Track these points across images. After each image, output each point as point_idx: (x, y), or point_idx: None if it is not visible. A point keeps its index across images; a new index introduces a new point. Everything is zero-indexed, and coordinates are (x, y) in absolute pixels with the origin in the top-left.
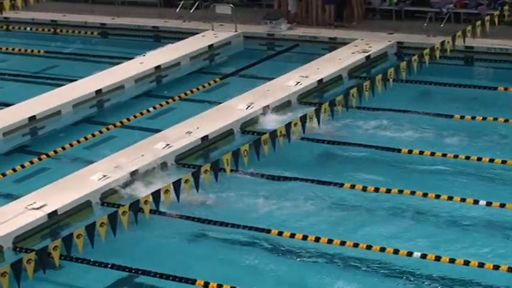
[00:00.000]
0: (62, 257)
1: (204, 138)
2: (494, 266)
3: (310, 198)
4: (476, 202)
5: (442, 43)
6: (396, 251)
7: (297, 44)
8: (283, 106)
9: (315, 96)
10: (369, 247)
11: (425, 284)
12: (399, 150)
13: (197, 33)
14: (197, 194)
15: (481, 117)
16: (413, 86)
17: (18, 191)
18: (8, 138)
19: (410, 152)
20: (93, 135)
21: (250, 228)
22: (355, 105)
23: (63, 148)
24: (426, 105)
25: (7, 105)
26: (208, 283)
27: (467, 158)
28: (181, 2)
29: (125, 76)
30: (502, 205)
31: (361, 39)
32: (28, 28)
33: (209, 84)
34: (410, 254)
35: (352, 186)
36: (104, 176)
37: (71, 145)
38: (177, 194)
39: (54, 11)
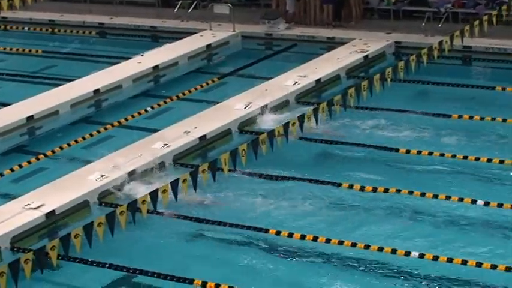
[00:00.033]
0: (60, 257)
1: (202, 137)
2: (492, 265)
3: (308, 197)
4: (474, 202)
5: (440, 43)
6: (394, 251)
7: (295, 43)
8: (281, 106)
9: (313, 96)
10: (367, 247)
11: (423, 284)
12: (397, 150)
13: (195, 33)
14: (195, 194)
15: (479, 117)
16: (411, 85)
17: (15, 190)
18: (6, 138)
19: (408, 151)
20: (91, 135)
21: (248, 227)
22: (353, 105)
23: (61, 148)
24: (424, 105)
25: (5, 105)
26: (206, 283)
27: (465, 157)
28: (179, 2)
29: (123, 76)
30: (500, 205)
31: (359, 39)
32: (26, 28)
33: (207, 84)
34: (408, 253)
35: (350, 186)
36: (102, 176)
37: (69, 145)
38: (175, 193)
39: (52, 11)
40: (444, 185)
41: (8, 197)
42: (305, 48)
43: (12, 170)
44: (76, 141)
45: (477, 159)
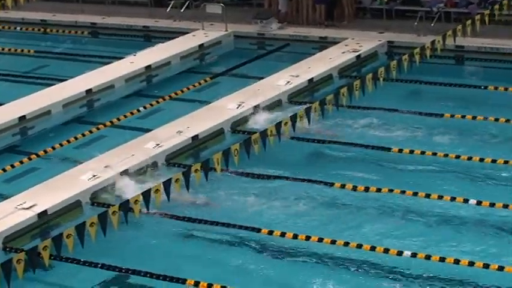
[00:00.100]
0: (52, 257)
1: (195, 137)
2: (484, 264)
3: (300, 197)
4: (466, 201)
5: (433, 42)
6: (386, 250)
7: (288, 43)
8: (273, 105)
9: (306, 95)
10: (359, 246)
11: (416, 283)
12: (389, 149)
13: (187, 33)
14: (188, 194)
15: (471, 116)
16: (404, 85)
17: (8, 191)
18: None
19: (400, 151)
20: (83, 135)
21: (241, 227)
22: (346, 104)
23: (53, 148)
24: (416, 105)
25: None
26: (199, 282)
27: (458, 157)
28: (172, 2)
29: (115, 76)
30: (492, 204)
31: (352, 39)
32: (18, 28)
33: (199, 83)
34: (400, 253)
35: (343, 186)
36: (94, 175)
37: (61, 145)
38: (168, 193)
39: (44, 11)
40: (436, 185)
41: (0, 197)
42: (297, 48)
43: (4, 170)
44: (68, 141)
45: (469, 158)
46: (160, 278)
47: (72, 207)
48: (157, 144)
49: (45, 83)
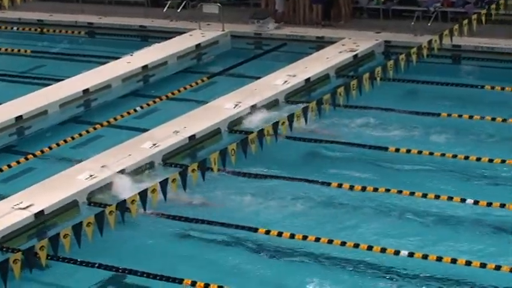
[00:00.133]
0: (49, 257)
1: (192, 137)
2: (481, 264)
3: (297, 197)
4: (463, 201)
5: (430, 42)
6: (383, 250)
7: (285, 43)
8: (270, 105)
9: (303, 95)
10: (356, 246)
11: (412, 283)
12: (386, 149)
13: (184, 33)
14: (184, 194)
15: (468, 116)
16: (401, 84)
17: (4, 191)
18: None
19: (397, 150)
20: (80, 135)
21: (237, 227)
22: (343, 104)
23: (50, 148)
24: (413, 104)
25: None
26: (196, 282)
27: (455, 156)
28: (169, 2)
29: (112, 75)
30: (489, 204)
31: (349, 38)
32: (15, 28)
33: (196, 83)
34: (397, 252)
35: (340, 185)
36: (91, 175)
37: (58, 145)
38: (164, 193)
39: (41, 11)
40: (433, 184)
41: None
42: (294, 48)
43: (1, 170)
44: (65, 141)
45: (466, 158)
46: (157, 278)
47: (69, 207)
48: (154, 144)
49: (42, 83)
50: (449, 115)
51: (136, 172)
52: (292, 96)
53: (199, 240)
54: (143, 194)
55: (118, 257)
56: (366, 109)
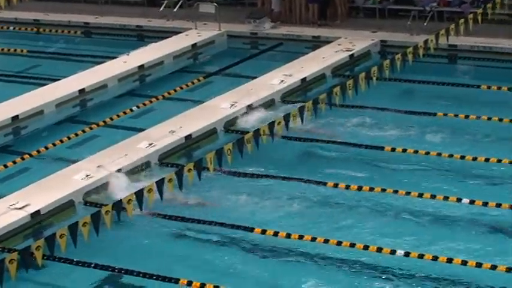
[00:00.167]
0: (45, 257)
1: (188, 137)
2: (477, 263)
3: (293, 196)
4: (459, 200)
5: (426, 41)
6: (379, 249)
7: (281, 42)
8: (266, 105)
9: (299, 94)
10: (352, 245)
11: (408, 282)
12: (382, 148)
13: (180, 32)
14: (180, 194)
15: (464, 115)
16: (397, 84)
17: (0, 191)
18: None
19: (393, 150)
20: (76, 135)
21: (233, 226)
22: (339, 103)
23: (46, 148)
24: (409, 104)
25: None
26: (192, 282)
27: (451, 156)
28: (165, 1)
29: (108, 75)
30: (485, 203)
31: (345, 38)
32: (11, 27)
33: (193, 83)
34: (393, 252)
35: (336, 185)
36: (87, 175)
37: (54, 145)
38: (161, 193)
39: (37, 11)
40: (429, 184)
41: None
42: (290, 47)
43: None
44: (61, 141)
45: (462, 157)
46: (153, 277)
47: (65, 207)
48: (150, 144)
49: (38, 82)
50: (445, 115)
51: (133, 172)
52: (289, 96)
53: (195, 240)
54: (139, 194)
55: (114, 256)
56: (362, 109)
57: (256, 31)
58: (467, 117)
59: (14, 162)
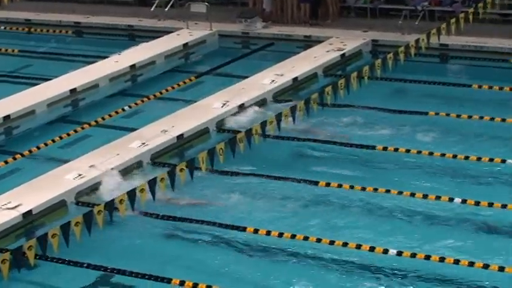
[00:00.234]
0: (37, 257)
1: (180, 136)
2: (469, 263)
3: (285, 196)
4: (451, 200)
5: (417, 41)
6: (372, 249)
7: (272, 42)
8: (258, 104)
9: (290, 94)
10: (345, 244)
11: (401, 281)
12: (374, 148)
13: (172, 32)
14: (172, 193)
15: (456, 115)
16: (388, 83)
17: None
18: None
19: (385, 149)
20: (68, 135)
21: (225, 226)
22: (330, 102)
23: (38, 148)
24: (401, 103)
25: None
26: (184, 282)
27: (443, 155)
28: (156, 1)
29: (100, 75)
30: (477, 203)
31: (336, 37)
32: (2, 27)
33: (184, 82)
34: (386, 251)
35: (327, 184)
36: (79, 175)
37: (46, 144)
38: (153, 193)
39: (29, 10)
40: (421, 183)
41: None
42: (282, 47)
43: None
44: (53, 141)
45: (454, 156)
46: (146, 277)
47: (57, 206)
48: (143, 144)
49: (30, 82)
50: (437, 114)
51: (125, 171)
52: (280, 95)
53: (187, 240)
54: (131, 194)
55: (106, 256)
56: (353, 108)
57: (247, 31)
58: (458, 116)
59: (6, 162)
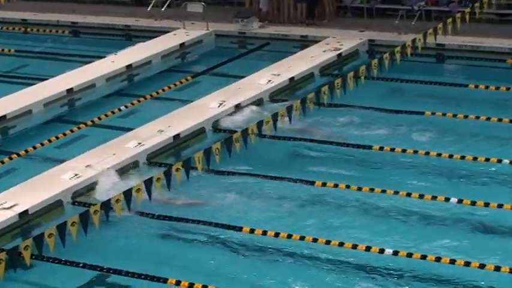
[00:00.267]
0: (33, 257)
1: (176, 136)
2: (465, 263)
3: (281, 196)
4: (447, 199)
5: (413, 40)
6: (368, 248)
7: (268, 42)
8: (254, 104)
9: (287, 94)
10: (341, 244)
11: (397, 281)
12: (370, 147)
13: (168, 32)
14: (169, 193)
15: (452, 114)
16: (385, 83)
17: None
18: None
19: (381, 149)
20: (65, 135)
21: (222, 226)
22: (327, 102)
23: (34, 147)
24: (397, 103)
25: None
26: (180, 282)
27: (439, 155)
28: (153, 1)
29: (96, 75)
30: (473, 203)
31: (333, 37)
32: None
33: (181, 82)
34: (382, 251)
35: (324, 184)
36: (76, 175)
37: (42, 144)
38: (149, 192)
39: (25, 10)
40: (417, 183)
41: None
42: (278, 47)
43: None
44: (49, 141)
45: (450, 156)
46: (142, 277)
47: (53, 206)
48: (139, 143)
49: (26, 82)
50: (433, 114)
51: (121, 171)
52: (277, 95)
53: (183, 240)
54: (128, 194)
55: (103, 256)
56: (350, 107)
57: (244, 30)
58: (455, 116)
59: (2, 162)
